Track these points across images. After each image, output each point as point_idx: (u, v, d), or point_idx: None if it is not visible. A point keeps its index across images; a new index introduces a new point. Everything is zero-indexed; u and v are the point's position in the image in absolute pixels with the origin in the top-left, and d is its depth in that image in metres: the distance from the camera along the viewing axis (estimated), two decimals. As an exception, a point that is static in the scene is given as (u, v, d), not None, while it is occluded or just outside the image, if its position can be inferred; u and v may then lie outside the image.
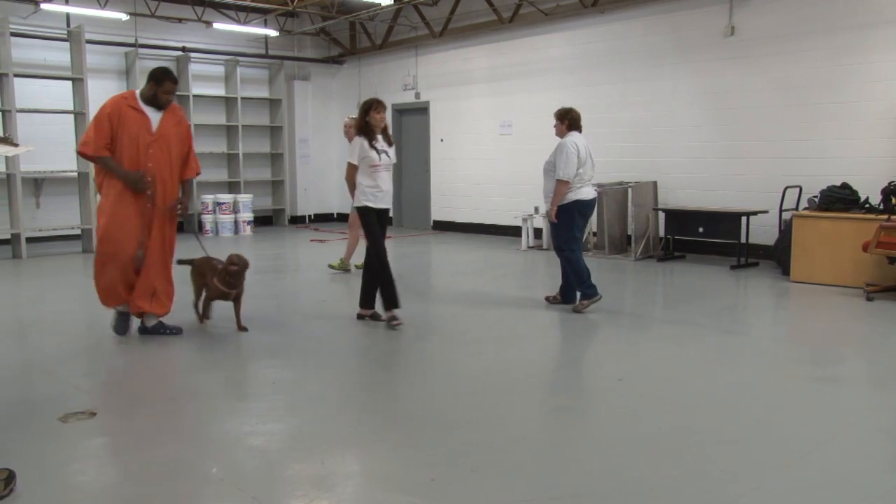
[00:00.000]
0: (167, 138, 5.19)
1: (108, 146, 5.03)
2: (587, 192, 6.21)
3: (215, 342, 5.29)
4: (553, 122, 6.36)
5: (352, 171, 5.68)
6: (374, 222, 5.64)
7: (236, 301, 5.49)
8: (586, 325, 5.96)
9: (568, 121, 6.25)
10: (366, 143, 5.59)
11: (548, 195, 6.24)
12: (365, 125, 5.63)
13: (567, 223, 6.15)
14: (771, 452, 3.22)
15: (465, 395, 4.13)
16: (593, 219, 9.78)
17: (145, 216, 5.13)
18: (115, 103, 5.14)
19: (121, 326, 5.38)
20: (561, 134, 6.27)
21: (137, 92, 5.26)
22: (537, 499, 2.79)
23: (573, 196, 6.10)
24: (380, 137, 5.66)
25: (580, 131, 6.26)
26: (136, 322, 5.42)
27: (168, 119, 5.23)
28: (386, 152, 5.67)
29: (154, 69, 5.24)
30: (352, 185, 5.71)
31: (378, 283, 5.67)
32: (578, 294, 6.23)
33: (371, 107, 5.63)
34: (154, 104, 5.17)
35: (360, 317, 5.87)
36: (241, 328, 5.46)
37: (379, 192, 5.62)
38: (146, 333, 5.38)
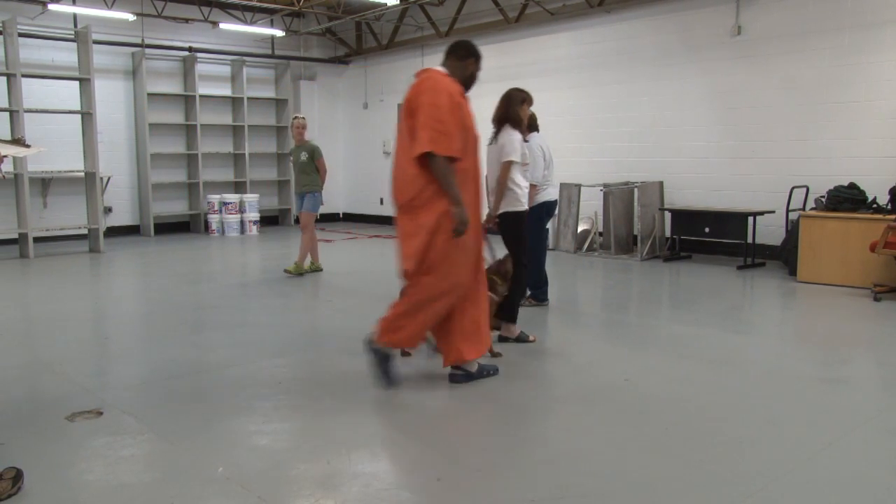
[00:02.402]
0: None
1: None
2: (552, 193, 6.25)
3: (216, 332, 5.30)
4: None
5: (509, 170, 4.87)
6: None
7: None
8: (591, 324, 5.95)
9: (528, 121, 6.19)
10: (521, 139, 4.92)
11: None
12: (514, 117, 4.92)
13: (536, 226, 6.03)
14: (778, 453, 3.21)
15: (470, 395, 4.12)
16: (599, 218, 9.81)
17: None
18: (448, 89, 3.79)
19: (390, 373, 4.06)
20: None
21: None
22: (543, 498, 2.79)
23: (541, 198, 6.05)
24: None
25: (538, 131, 6.22)
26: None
27: None
28: None
29: (466, 42, 4.04)
30: (504, 187, 4.92)
31: (521, 296, 5.14)
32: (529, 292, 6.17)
33: (525, 99, 4.99)
34: (466, 88, 4.04)
35: (503, 339, 5.10)
36: None
37: (527, 191, 5.14)
38: (459, 382, 4.14)
